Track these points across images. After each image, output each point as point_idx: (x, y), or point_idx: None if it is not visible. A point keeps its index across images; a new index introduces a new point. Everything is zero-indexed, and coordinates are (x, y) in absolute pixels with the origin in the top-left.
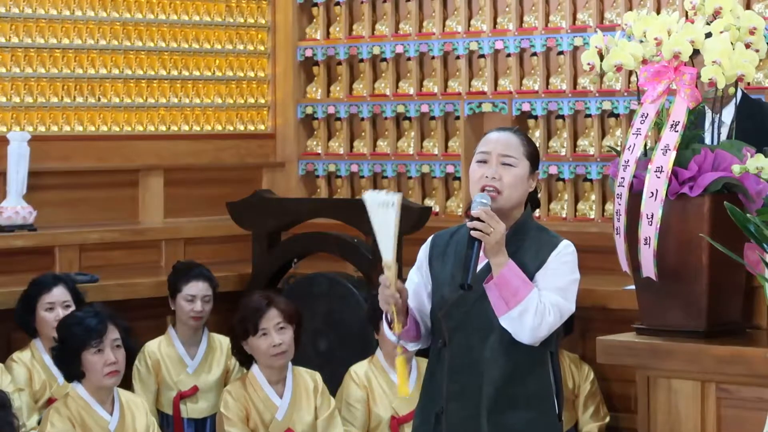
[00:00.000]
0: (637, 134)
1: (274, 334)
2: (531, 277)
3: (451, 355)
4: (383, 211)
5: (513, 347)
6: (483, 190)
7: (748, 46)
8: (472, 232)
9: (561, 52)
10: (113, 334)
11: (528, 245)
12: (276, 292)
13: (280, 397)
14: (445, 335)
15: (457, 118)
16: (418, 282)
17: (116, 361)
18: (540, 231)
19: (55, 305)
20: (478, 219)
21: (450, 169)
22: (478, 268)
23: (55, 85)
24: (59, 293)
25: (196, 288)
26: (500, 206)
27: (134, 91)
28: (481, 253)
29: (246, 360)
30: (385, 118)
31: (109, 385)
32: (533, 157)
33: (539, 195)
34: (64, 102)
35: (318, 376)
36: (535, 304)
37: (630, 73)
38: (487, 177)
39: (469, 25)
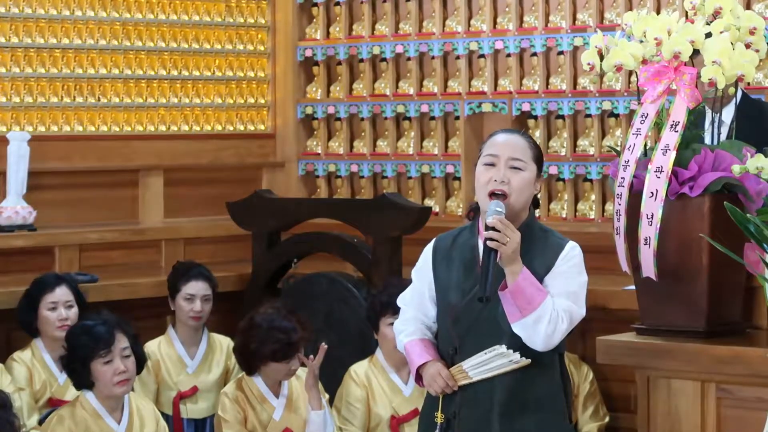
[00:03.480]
0: (637, 134)
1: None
2: (540, 281)
3: (463, 360)
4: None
5: (523, 351)
6: (491, 193)
7: (748, 46)
8: (489, 242)
9: (561, 52)
10: (122, 342)
11: (535, 249)
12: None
13: (276, 397)
14: (456, 341)
15: (457, 118)
16: (421, 287)
17: (126, 370)
18: (545, 233)
19: (58, 305)
20: (493, 228)
21: (450, 169)
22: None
23: (55, 85)
24: (62, 293)
25: (195, 287)
26: (508, 210)
27: (134, 91)
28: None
29: (249, 368)
30: (385, 118)
31: (119, 394)
32: (539, 160)
33: (539, 195)
34: (64, 102)
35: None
36: (549, 312)
37: (630, 73)
38: (495, 180)
39: (469, 25)
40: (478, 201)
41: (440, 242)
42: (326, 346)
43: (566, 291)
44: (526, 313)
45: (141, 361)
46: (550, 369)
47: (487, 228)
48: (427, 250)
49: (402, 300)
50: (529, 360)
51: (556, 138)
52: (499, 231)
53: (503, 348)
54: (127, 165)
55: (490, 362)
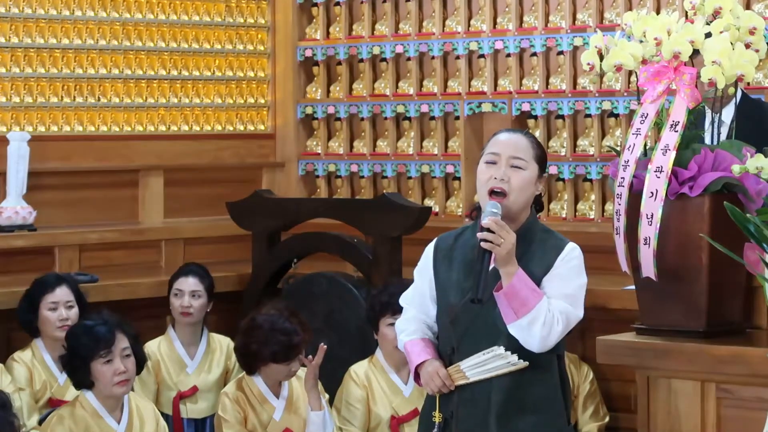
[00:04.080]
0: (637, 134)
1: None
2: (538, 282)
3: (461, 360)
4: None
5: (521, 353)
6: (491, 191)
7: (748, 46)
8: (483, 244)
9: (561, 52)
10: (122, 343)
11: (534, 249)
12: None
13: (276, 398)
14: (454, 341)
15: (457, 118)
16: (422, 286)
17: (126, 371)
18: (545, 233)
19: (59, 305)
20: (488, 230)
21: (450, 169)
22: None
23: (55, 85)
24: (62, 293)
25: (185, 283)
26: (507, 209)
27: (134, 91)
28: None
29: (250, 368)
30: (385, 118)
31: (119, 394)
32: (541, 160)
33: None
34: (64, 102)
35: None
36: (544, 314)
37: (630, 73)
38: (495, 178)
39: (469, 25)
40: (479, 199)
41: (441, 242)
42: (325, 347)
43: (563, 293)
44: (520, 315)
45: (141, 361)
46: (548, 371)
47: (482, 229)
48: (429, 250)
49: (404, 299)
50: (527, 363)
51: (556, 138)
52: (493, 232)
53: (501, 349)
54: (127, 165)
55: (488, 363)
